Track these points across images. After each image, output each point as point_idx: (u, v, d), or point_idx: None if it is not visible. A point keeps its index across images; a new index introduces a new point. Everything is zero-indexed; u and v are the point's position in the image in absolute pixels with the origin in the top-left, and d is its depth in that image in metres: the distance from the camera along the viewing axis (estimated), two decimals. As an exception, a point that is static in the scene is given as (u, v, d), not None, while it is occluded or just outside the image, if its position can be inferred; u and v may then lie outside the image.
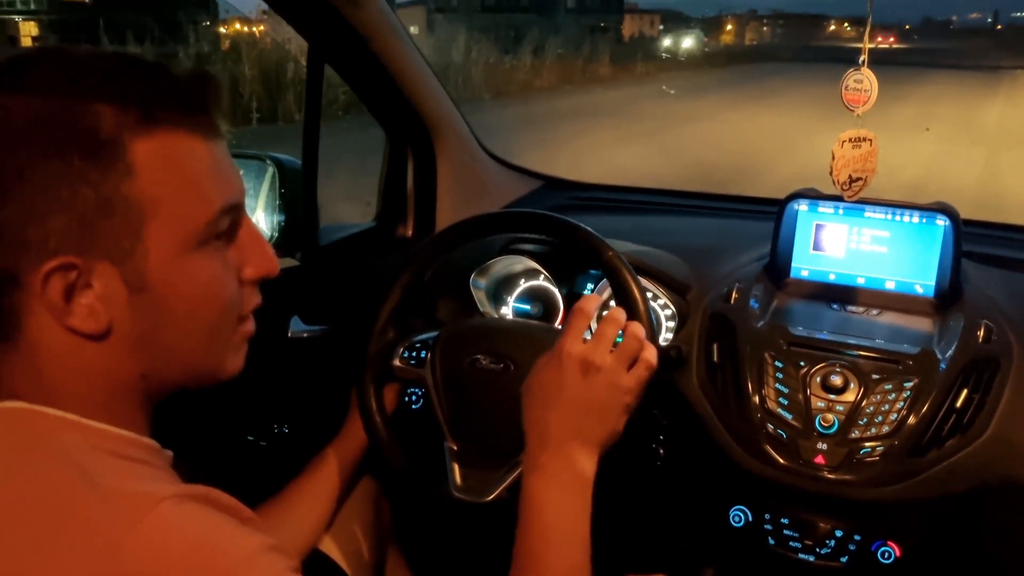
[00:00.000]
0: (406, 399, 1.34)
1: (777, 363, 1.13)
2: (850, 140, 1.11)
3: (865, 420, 1.07)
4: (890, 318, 1.22)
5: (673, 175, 7.75)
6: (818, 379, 1.11)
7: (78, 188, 0.58)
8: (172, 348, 0.66)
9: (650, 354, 0.95)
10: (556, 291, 1.39)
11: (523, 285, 1.43)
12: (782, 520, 1.18)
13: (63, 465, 0.58)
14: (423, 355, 1.13)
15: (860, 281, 1.26)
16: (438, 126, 1.57)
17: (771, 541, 1.18)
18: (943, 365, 1.08)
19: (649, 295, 1.21)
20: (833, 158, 1.12)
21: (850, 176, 1.13)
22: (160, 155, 0.61)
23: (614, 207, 1.80)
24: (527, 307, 1.42)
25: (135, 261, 0.61)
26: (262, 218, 1.49)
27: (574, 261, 1.37)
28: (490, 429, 1.07)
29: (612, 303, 1.07)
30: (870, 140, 1.12)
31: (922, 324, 1.20)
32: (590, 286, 1.35)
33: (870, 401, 1.08)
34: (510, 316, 1.42)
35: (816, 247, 1.28)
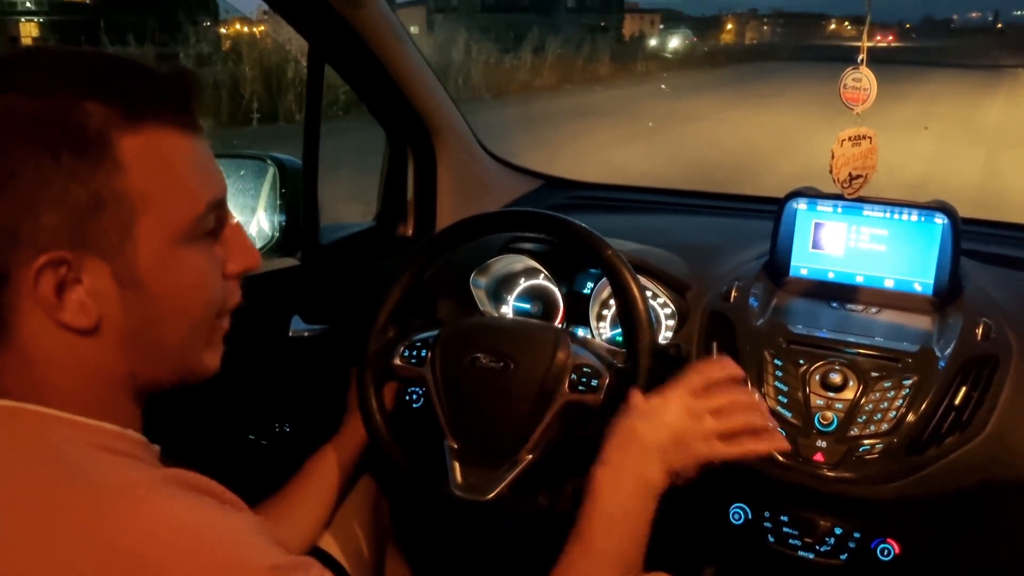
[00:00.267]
0: (406, 398, 1.34)
1: (776, 361, 1.13)
2: (850, 138, 1.12)
3: (864, 418, 1.07)
4: (889, 316, 1.22)
5: (673, 174, 7.75)
6: (817, 377, 1.11)
7: (69, 185, 0.59)
8: (160, 344, 0.67)
9: (753, 444, 0.93)
10: (556, 290, 1.39)
11: (523, 284, 1.44)
12: (782, 518, 1.18)
13: (51, 462, 0.59)
14: (423, 354, 1.14)
15: (859, 279, 1.27)
16: (438, 126, 1.57)
17: (771, 539, 1.19)
18: (942, 363, 1.08)
19: (648, 294, 1.22)
20: (833, 156, 1.13)
21: (850, 174, 1.13)
22: (147, 151, 0.62)
23: (614, 206, 1.80)
24: (527, 306, 1.43)
25: (125, 257, 0.62)
26: (263, 218, 1.49)
27: (574, 260, 1.37)
28: (490, 428, 1.07)
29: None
30: (869, 138, 1.12)
31: (921, 322, 1.20)
32: (590, 285, 1.36)
33: (869, 399, 1.08)
34: (510, 315, 1.43)
35: (815, 246, 1.28)
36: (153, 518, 0.56)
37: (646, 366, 1.04)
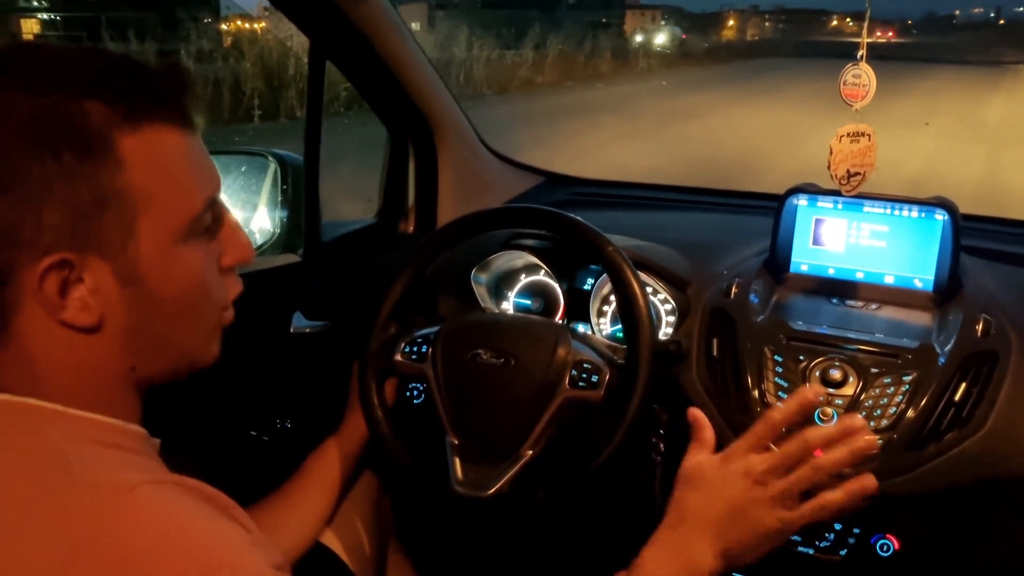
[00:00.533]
0: (407, 394, 1.34)
1: (777, 357, 1.14)
2: (848, 135, 1.12)
3: (864, 414, 1.07)
4: (889, 312, 1.22)
5: (674, 171, 7.74)
6: (817, 373, 1.11)
7: (71, 185, 0.59)
8: (161, 339, 0.68)
9: (834, 498, 0.82)
10: (557, 286, 1.39)
11: (524, 280, 1.44)
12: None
13: (46, 456, 0.59)
14: (424, 350, 1.14)
15: (859, 276, 1.27)
16: (439, 122, 1.57)
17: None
18: (942, 359, 1.08)
19: (649, 290, 1.22)
20: (831, 153, 1.13)
21: (848, 171, 1.13)
22: (146, 149, 0.62)
23: (614, 203, 1.80)
24: (528, 302, 1.43)
25: (127, 255, 0.63)
26: (264, 214, 1.50)
27: (575, 256, 1.37)
28: (491, 424, 1.08)
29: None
30: (868, 135, 1.12)
31: (921, 318, 1.20)
32: (591, 281, 1.36)
33: (869, 395, 1.08)
34: (511, 311, 1.43)
35: (815, 242, 1.29)
36: (139, 517, 0.56)
37: (646, 362, 1.04)
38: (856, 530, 1.15)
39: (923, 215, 1.22)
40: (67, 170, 0.59)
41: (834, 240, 1.27)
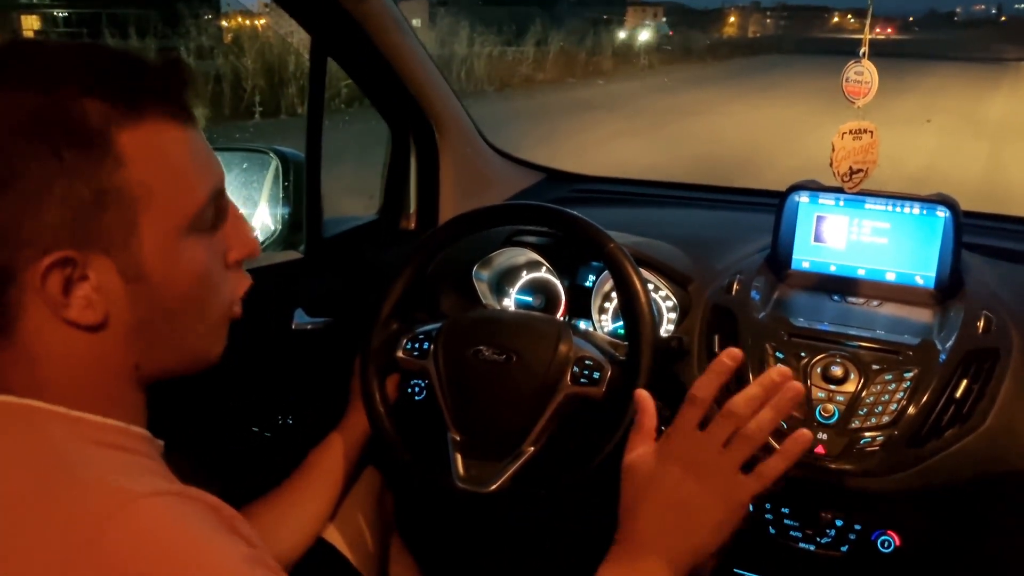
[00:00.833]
0: (409, 390, 1.35)
1: (778, 354, 1.14)
2: (850, 132, 1.12)
3: (865, 410, 1.07)
4: (890, 309, 1.22)
5: (675, 168, 7.74)
6: (819, 370, 1.11)
7: (72, 182, 0.59)
8: (166, 336, 0.67)
9: (774, 464, 0.81)
10: (558, 283, 1.40)
11: (525, 277, 1.44)
12: (782, 510, 1.18)
13: (48, 457, 0.59)
14: (426, 346, 1.14)
15: (861, 272, 1.27)
16: (441, 119, 1.57)
17: (771, 531, 1.19)
18: (943, 356, 1.09)
19: (650, 287, 1.22)
20: (833, 150, 1.13)
21: (850, 168, 1.13)
22: (147, 144, 0.62)
23: (616, 199, 1.80)
24: (529, 299, 1.43)
25: (130, 252, 0.62)
26: (266, 211, 1.50)
27: (576, 253, 1.37)
28: (493, 420, 1.08)
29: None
30: (871, 132, 1.12)
31: (922, 315, 1.20)
32: (592, 278, 1.36)
33: (870, 391, 1.08)
34: (512, 308, 1.43)
35: (817, 239, 1.29)
36: (142, 526, 0.55)
37: (648, 359, 1.04)
38: (857, 526, 1.15)
39: (924, 212, 1.22)
40: (67, 168, 0.58)
41: (835, 237, 1.28)
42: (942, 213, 1.21)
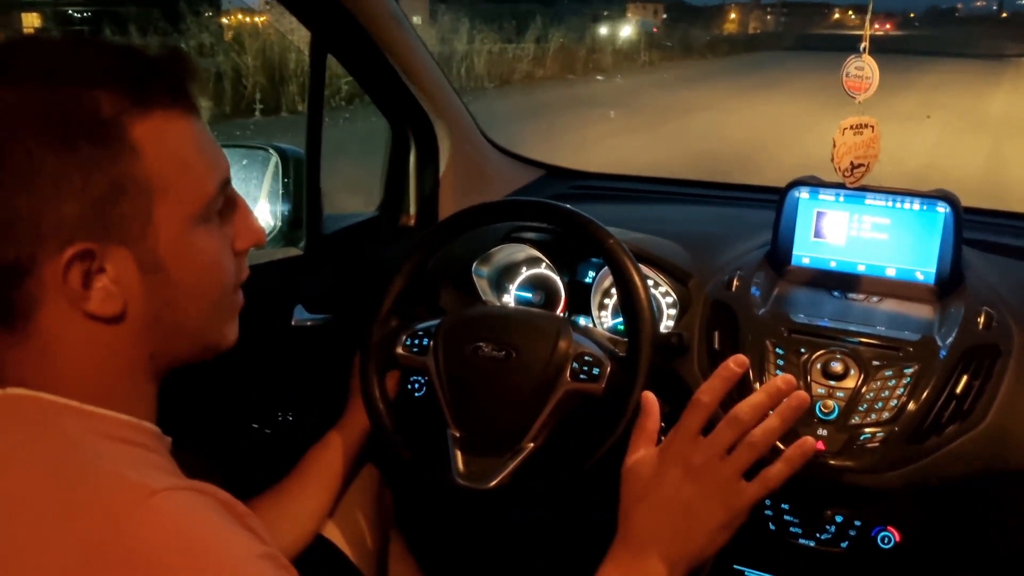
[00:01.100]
0: (409, 387, 1.35)
1: (778, 350, 1.14)
2: (851, 127, 1.12)
3: (865, 406, 1.07)
4: (891, 305, 1.22)
5: (676, 165, 7.73)
6: (819, 366, 1.11)
7: (89, 174, 0.59)
8: (181, 325, 0.68)
9: (777, 470, 0.82)
10: (558, 279, 1.40)
11: (525, 273, 1.44)
12: (782, 506, 1.18)
13: (63, 451, 0.59)
14: (426, 343, 1.14)
15: (861, 268, 1.27)
16: (440, 116, 1.57)
17: (771, 527, 1.19)
18: (943, 352, 1.08)
19: (650, 283, 1.22)
20: (834, 145, 1.13)
21: (852, 162, 1.13)
22: (158, 135, 0.63)
23: (615, 196, 1.80)
24: (529, 295, 1.43)
25: (146, 242, 0.63)
26: (266, 208, 1.49)
27: (576, 249, 1.37)
28: (493, 416, 1.08)
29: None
30: (872, 126, 1.12)
31: (923, 311, 1.20)
32: (592, 274, 1.36)
33: (870, 387, 1.08)
34: (512, 304, 1.43)
35: (817, 235, 1.28)
36: (158, 521, 0.55)
37: (647, 355, 1.04)
38: (857, 522, 1.15)
39: (925, 208, 1.22)
40: (83, 160, 0.59)
41: (836, 233, 1.27)
42: (942, 209, 1.20)
